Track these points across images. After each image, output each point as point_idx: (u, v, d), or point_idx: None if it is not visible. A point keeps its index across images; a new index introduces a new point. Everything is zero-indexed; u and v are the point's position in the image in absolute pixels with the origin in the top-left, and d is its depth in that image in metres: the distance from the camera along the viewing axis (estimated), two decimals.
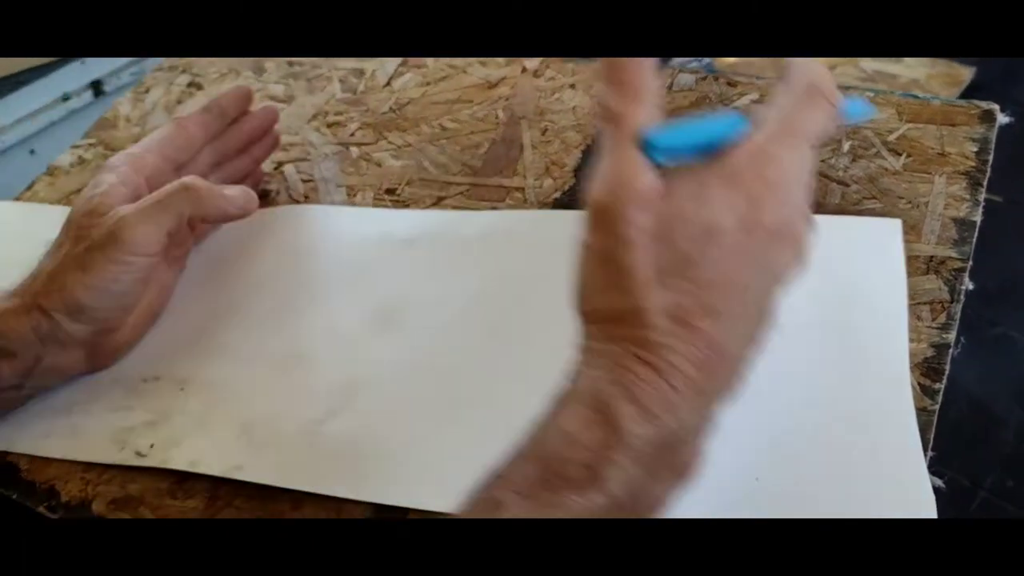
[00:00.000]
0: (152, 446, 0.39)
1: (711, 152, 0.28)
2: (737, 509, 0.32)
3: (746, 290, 0.27)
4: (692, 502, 0.28)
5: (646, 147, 0.27)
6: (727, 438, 0.29)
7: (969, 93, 1.41)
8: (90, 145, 0.58)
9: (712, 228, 0.27)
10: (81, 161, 0.57)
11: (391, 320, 0.41)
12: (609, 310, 0.27)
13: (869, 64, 1.51)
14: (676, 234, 0.27)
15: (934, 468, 0.34)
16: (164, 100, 0.59)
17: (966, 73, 1.48)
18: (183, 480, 0.38)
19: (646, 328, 0.26)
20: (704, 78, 0.50)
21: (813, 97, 0.29)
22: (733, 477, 0.32)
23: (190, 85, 0.60)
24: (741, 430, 0.32)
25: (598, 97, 0.28)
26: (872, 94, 0.47)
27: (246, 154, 0.49)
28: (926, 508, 0.31)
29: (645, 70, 0.29)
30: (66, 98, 1.16)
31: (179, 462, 0.38)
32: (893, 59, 1.50)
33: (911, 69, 1.50)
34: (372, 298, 0.43)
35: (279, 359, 0.41)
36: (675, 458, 0.26)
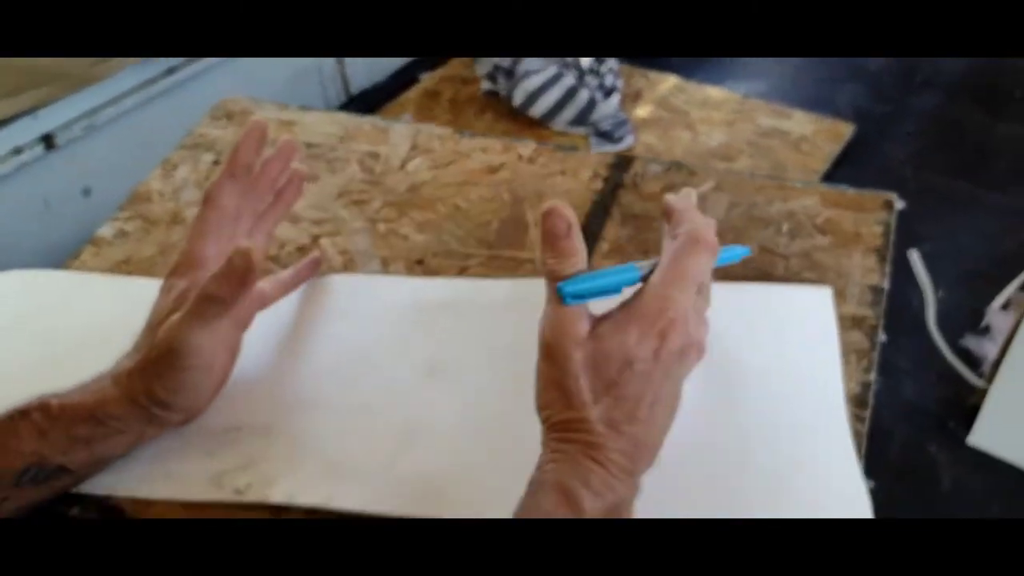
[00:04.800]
0: (249, 484, 0.46)
1: (611, 294, 0.39)
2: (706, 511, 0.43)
3: (657, 399, 0.38)
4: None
5: (560, 294, 0.38)
6: (698, 462, 0.43)
7: (849, 147, 1.62)
8: (128, 218, 0.64)
9: (629, 359, 0.38)
10: (123, 233, 0.63)
11: (436, 372, 0.51)
12: (562, 420, 0.38)
13: (764, 120, 1.71)
14: (602, 365, 0.38)
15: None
16: (193, 176, 0.66)
17: (847, 130, 1.70)
18: (279, 512, 0.45)
19: (591, 434, 0.37)
20: (668, 169, 0.62)
21: (696, 245, 0.40)
22: (702, 489, 0.44)
23: (215, 163, 0.67)
24: (706, 454, 0.44)
25: (540, 261, 0.39)
26: (800, 185, 0.60)
27: (280, 202, 0.53)
28: (861, 504, 0.43)
29: (572, 239, 0.39)
30: (18, 151, 1.18)
31: (277, 496, 0.45)
32: (785, 117, 1.70)
33: (800, 126, 1.70)
34: (419, 354, 0.52)
35: (348, 408, 0.49)
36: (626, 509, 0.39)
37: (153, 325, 0.46)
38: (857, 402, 0.47)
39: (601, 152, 0.64)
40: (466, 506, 0.44)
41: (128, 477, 0.48)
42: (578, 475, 0.37)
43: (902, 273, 1.07)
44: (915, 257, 1.00)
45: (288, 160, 0.52)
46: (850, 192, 0.59)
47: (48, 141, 1.21)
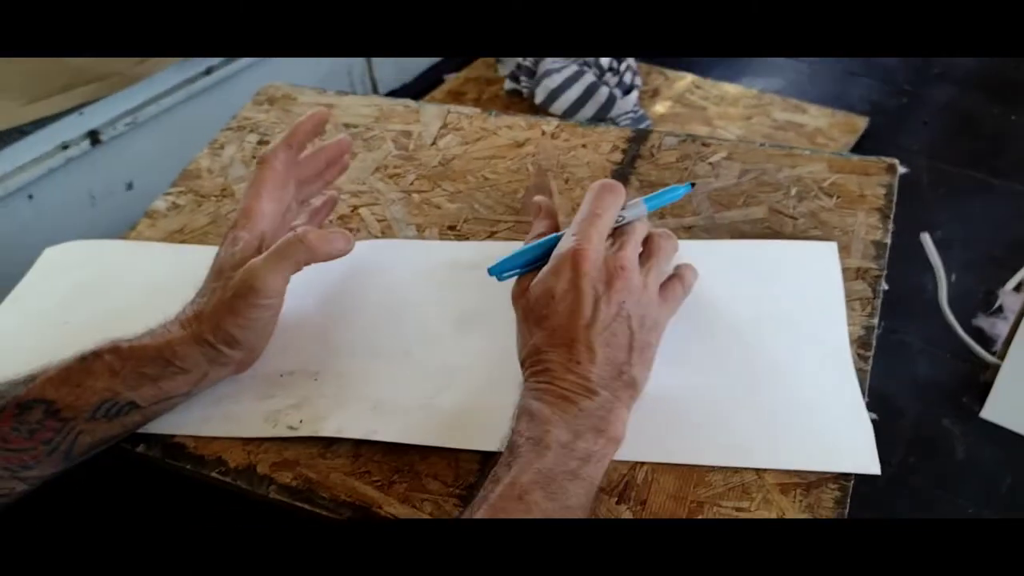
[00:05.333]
0: (301, 421, 0.51)
1: (537, 264, 0.48)
2: (715, 456, 0.46)
3: (593, 320, 0.45)
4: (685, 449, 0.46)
5: (492, 274, 0.49)
6: (712, 403, 0.47)
7: (864, 139, 1.65)
8: (180, 192, 0.69)
9: (550, 292, 0.46)
10: (176, 206, 0.68)
11: (470, 323, 0.55)
12: (523, 359, 0.47)
13: (780, 115, 1.74)
14: (534, 307, 0.47)
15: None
16: (240, 155, 0.71)
17: (861, 123, 1.73)
18: (329, 446, 0.50)
19: (539, 364, 0.45)
20: (684, 140, 0.66)
21: (596, 187, 0.49)
22: (710, 429, 0.47)
23: (260, 143, 0.72)
24: (718, 396, 0.48)
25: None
26: (808, 152, 0.64)
27: (319, 177, 0.59)
28: (866, 436, 0.47)
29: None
30: (65, 147, 1.25)
31: (328, 431, 0.50)
32: (800, 111, 1.74)
33: (815, 119, 1.74)
34: (453, 307, 0.56)
35: (391, 353, 0.54)
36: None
37: (223, 270, 0.51)
38: (861, 344, 0.51)
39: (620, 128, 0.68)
40: (494, 436, 0.48)
41: (190, 418, 0.52)
42: (537, 396, 0.44)
43: (915, 258, 1.09)
44: (927, 240, 1.02)
45: (340, 152, 0.59)
46: (855, 159, 0.63)
47: (94, 137, 1.27)
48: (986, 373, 1.10)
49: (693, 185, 0.54)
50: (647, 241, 0.50)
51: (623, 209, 0.49)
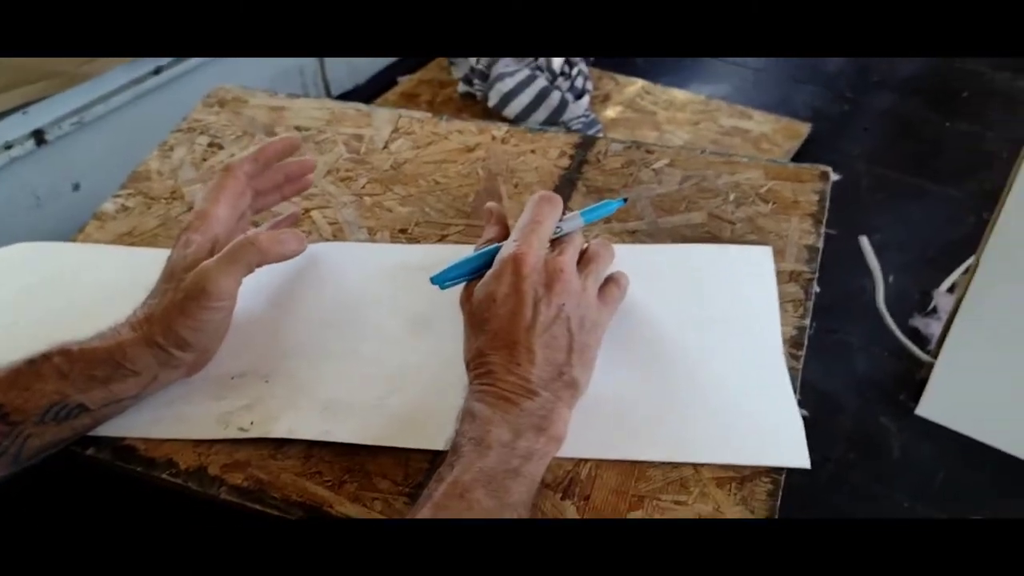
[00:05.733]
0: (252, 423, 0.51)
1: (481, 272, 0.50)
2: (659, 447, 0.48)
3: (533, 323, 0.47)
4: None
5: (434, 283, 0.51)
6: (651, 403, 0.49)
7: (807, 144, 1.70)
8: (129, 195, 0.69)
9: (491, 296, 0.48)
10: (125, 208, 0.68)
11: (420, 325, 0.56)
12: (468, 361, 0.49)
13: (726, 120, 1.78)
14: (476, 312, 0.48)
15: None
16: (190, 157, 0.71)
17: (804, 129, 1.78)
18: (280, 447, 0.51)
19: (483, 367, 0.47)
20: (628, 147, 0.68)
21: (535, 198, 0.51)
22: (651, 426, 0.49)
23: (211, 145, 0.72)
24: (658, 394, 0.50)
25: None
26: (747, 159, 0.67)
27: (277, 190, 0.60)
28: (796, 429, 0.49)
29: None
30: (8, 147, 1.22)
31: (279, 432, 0.50)
32: (746, 117, 1.78)
33: (760, 125, 1.79)
34: (404, 310, 0.57)
35: (341, 354, 0.55)
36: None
37: (174, 272, 0.51)
38: (793, 343, 0.54)
39: (567, 134, 0.70)
40: (443, 436, 0.49)
41: (141, 421, 0.53)
42: (479, 398, 0.46)
43: (855, 260, 1.14)
44: (865, 243, 1.07)
45: (301, 171, 0.60)
46: (790, 166, 0.66)
47: (39, 137, 1.25)
48: (921, 371, 1.14)
49: (626, 201, 0.56)
50: (585, 249, 0.52)
51: (561, 221, 0.51)
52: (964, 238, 1.29)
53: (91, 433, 0.51)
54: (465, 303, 0.50)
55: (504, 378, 0.46)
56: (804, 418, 0.50)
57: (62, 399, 0.48)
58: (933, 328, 1.22)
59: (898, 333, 1.16)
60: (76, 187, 1.32)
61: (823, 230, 0.61)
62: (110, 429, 0.52)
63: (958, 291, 1.07)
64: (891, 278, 1.31)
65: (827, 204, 0.63)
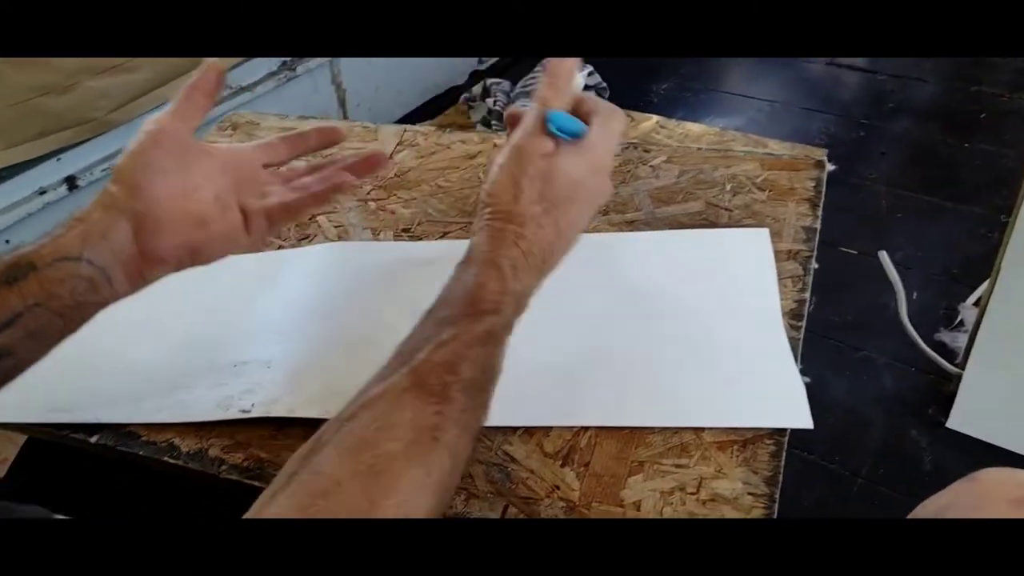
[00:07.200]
0: (253, 405, 0.52)
1: (577, 139, 0.46)
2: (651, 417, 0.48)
3: (577, 220, 0.45)
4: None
5: (547, 120, 0.45)
6: (644, 369, 0.48)
7: None
8: None
9: (577, 183, 0.45)
10: None
11: (420, 313, 0.57)
12: (505, 210, 0.44)
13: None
14: (554, 179, 0.44)
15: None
16: None
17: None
18: (281, 427, 0.51)
19: (524, 227, 0.44)
20: (626, 148, 0.70)
21: (616, 112, 0.49)
22: (652, 393, 0.49)
23: None
24: (659, 363, 0.50)
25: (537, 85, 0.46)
26: (742, 153, 0.67)
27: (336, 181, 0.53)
28: (798, 395, 0.49)
29: (568, 76, 0.47)
30: (42, 192, 1.27)
31: (280, 412, 0.51)
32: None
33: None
34: (408, 300, 0.58)
35: (345, 343, 0.56)
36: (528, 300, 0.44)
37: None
38: (793, 315, 0.53)
39: None
40: None
41: (143, 408, 0.54)
42: (507, 256, 0.43)
43: (876, 279, 1.13)
44: (885, 257, 1.06)
45: (368, 167, 0.55)
46: (785, 156, 0.67)
47: (71, 182, 1.30)
48: (951, 385, 1.12)
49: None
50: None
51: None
52: (987, 253, 1.27)
53: (94, 421, 0.53)
54: (544, 154, 0.45)
55: (536, 256, 0.44)
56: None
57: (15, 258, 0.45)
58: (960, 342, 1.19)
59: (924, 347, 1.14)
60: None
61: (820, 212, 0.61)
62: (114, 416, 0.53)
63: (981, 303, 1.05)
64: (915, 295, 1.29)
65: (823, 189, 0.63)
